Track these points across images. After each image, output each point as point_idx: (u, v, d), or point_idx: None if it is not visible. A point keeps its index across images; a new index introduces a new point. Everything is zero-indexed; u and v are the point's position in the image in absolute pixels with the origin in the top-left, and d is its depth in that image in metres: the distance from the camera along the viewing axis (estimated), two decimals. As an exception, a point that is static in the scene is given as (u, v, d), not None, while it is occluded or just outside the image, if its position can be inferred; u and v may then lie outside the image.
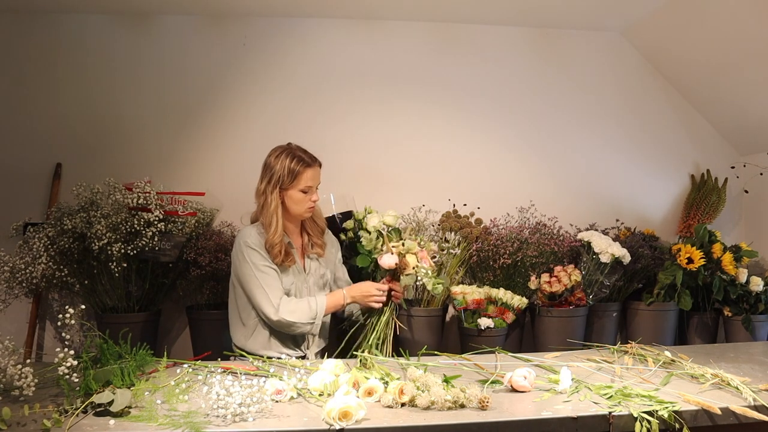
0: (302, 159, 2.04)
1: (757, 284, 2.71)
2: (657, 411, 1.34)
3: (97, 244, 2.26)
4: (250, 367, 1.72)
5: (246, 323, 2.05)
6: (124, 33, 2.75)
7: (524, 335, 2.72)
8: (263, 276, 1.98)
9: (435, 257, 2.24)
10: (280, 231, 2.03)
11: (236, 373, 1.65)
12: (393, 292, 2.10)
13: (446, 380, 1.51)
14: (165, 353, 1.80)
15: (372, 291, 2.07)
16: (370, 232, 2.22)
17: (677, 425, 1.34)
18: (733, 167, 3.09)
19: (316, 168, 2.07)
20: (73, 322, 1.45)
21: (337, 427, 1.26)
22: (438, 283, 2.06)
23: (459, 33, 2.95)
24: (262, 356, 1.95)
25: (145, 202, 2.36)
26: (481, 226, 2.69)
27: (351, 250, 2.51)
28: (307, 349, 2.11)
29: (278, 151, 2.07)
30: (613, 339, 2.74)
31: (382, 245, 2.16)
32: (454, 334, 2.72)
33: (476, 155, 2.93)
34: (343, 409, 1.27)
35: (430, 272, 2.07)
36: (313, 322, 2.00)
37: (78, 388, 1.40)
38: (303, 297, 2.07)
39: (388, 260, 2.06)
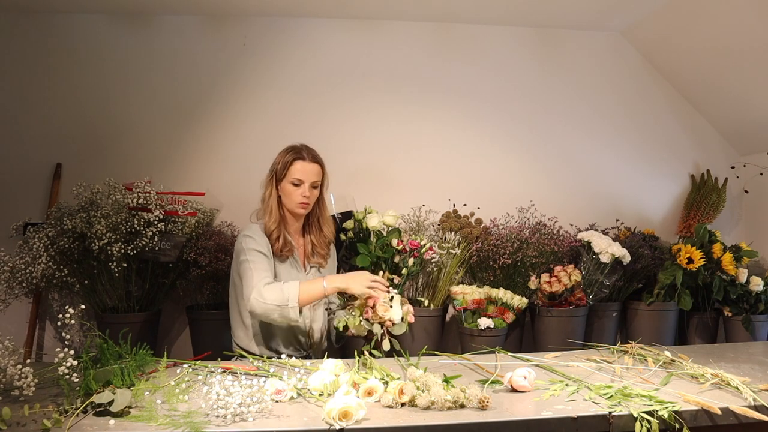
0: (297, 152, 2.08)
1: (757, 284, 2.71)
2: (657, 411, 1.34)
3: (97, 244, 2.26)
4: (250, 367, 1.72)
5: (248, 323, 2.05)
6: (124, 33, 2.75)
7: (524, 335, 2.72)
8: (253, 261, 1.96)
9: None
10: (275, 217, 2.06)
11: (236, 373, 1.65)
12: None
13: (446, 380, 1.51)
14: (165, 353, 1.79)
15: (373, 277, 1.97)
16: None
17: (677, 425, 1.34)
18: (733, 167, 3.09)
19: (309, 163, 2.08)
20: (73, 322, 1.45)
21: (337, 427, 1.26)
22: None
23: (459, 33, 2.95)
24: (263, 356, 1.95)
25: (145, 202, 2.36)
26: (481, 226, 2.69)
27: (351, 250, 2.52)
28: (310, 348, 2.12)
29: (284, 148, 2.13)
30: (613, 339, 2.74)
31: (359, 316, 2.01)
32: (454, 334, 2.72)
33: (476, 155, 2.93)
34: (343, 409, 1.27)
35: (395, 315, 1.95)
36: (286, 305, 1.86)
37: (78, 388, 1.40)
38: None
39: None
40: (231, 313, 2.12)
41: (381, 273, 2.28)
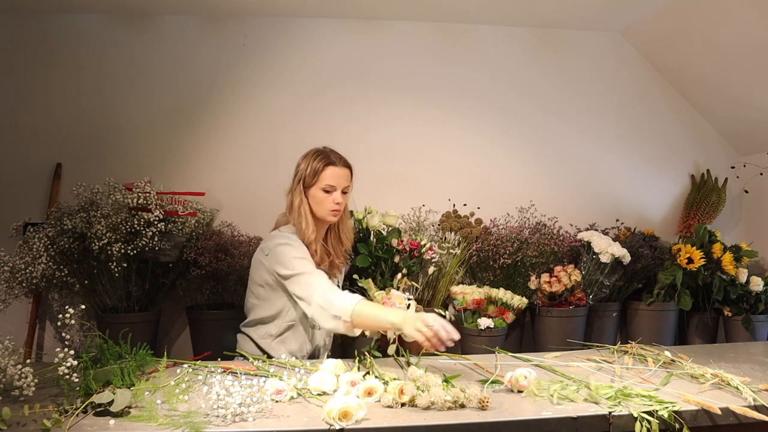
0: (326, 156, 1.96)
1: (757, 284, 2.71)
2: (657, 411, 1.34)
3: (97, 244, 2.26)
4: (250, 367, 1.72)
5: (278, 325, 1.96)
6: (124, 33, 2.75)
7: (524, 335, 2.72)
8: (306, 270, 1.82)
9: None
10: (313, 227, 1.94)
11: (236, 373, 1.65)
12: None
13: (446, 380, 1.51)
14: (165, 353, 1.79)
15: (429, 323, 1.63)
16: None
17: (677, 425, 1.34)
18: (733, 167, 3.09)
19: (341, 168, 1.97)
20: (73, 322, 1.44)
21: (337, 427, 1.26)
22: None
23: (459, 33, 2.95)
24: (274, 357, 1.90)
25: (145, 202, 2.36)
26: (481, 226, 2.69)
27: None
28: (322, 354, 2.08)
29: (308, 151, 2.01)
30: (613, 339, 2.74)
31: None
32: (454, 334, 2.71)
33: (476, 155, 2.93)
34: (343, 409, 1.27)
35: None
36: (338, 317, 1.71)
37: (78, 388, 1.39)
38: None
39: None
40: (251, 313, 2.00)
41: (399, 277, 2.27)
